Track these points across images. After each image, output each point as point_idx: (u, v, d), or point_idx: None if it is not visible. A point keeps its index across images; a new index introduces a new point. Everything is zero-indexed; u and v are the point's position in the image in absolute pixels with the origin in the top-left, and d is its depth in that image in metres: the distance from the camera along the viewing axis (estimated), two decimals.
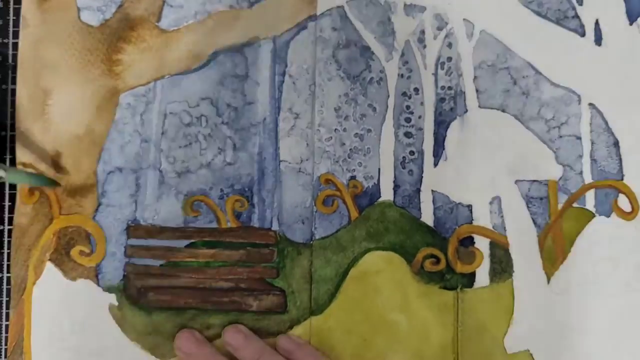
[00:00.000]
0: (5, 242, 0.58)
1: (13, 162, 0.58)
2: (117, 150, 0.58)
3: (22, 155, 0.58)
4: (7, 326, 0.57)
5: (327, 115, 0.59)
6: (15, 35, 0.59)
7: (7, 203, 0.58)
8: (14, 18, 0.59)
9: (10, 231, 0.58)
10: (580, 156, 0.59)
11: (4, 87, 0.59)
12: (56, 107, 0.58)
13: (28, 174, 0.56)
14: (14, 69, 0.58)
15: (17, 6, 0.59)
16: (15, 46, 0.58)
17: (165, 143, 0.58)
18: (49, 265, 0.57)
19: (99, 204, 0.58)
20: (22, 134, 0.57)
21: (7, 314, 0.58)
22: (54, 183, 0.57)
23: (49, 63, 0.58)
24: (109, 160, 0.58)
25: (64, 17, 0.58)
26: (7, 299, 0.58)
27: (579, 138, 0.59)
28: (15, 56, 0.58)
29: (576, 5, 0.59)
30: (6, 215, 0.58)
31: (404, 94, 0.59)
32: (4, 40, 0.59)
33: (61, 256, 0.57)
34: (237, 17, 0.59)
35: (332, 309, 0.58)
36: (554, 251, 0.58)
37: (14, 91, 0.58)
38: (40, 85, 0.58)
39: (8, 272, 0.58)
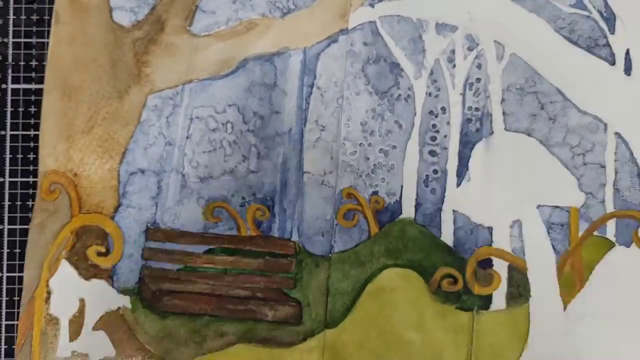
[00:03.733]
0: (5, 242, 0.58)
1: (13, 162, 0.58)
2: (141, 151, 0.58)
3: (47, 161, 0.58)
4: (7, 326, 0.57)
5: (352, 129, 0.59)
6: (15, 35, 0.59)
7: (7, 203, 0.58)
8: (14, 18, 0.59)
9: (10, 231, 0.58)
10: (604, 185, 0.59)
11: (4, 87, 0.58)
12: (84, 104, 0.58)
13: None
14: (14, 68, 0.58)
15: (17, 6, 0.59)
16: (15, 46, 0.59)
17: (190, 147, 0.58)
18: (64, 264, 0.57)
19: (120, 205, 0.58)
20: (47, 133, 0.57)
21: (7, 314, 0.57)
22: None
23: (79, 60, 0.58)
24: (132, 161, 0.58)
25: (96, 16, 0.58)
26: (7, 298, 0.57)
27: (603, 167, 0.59)
28: (15, 55, 0.58)
29: (608, 34, 0.59)
30: (6, 215, 0.58)
31: (431, 112, 0.59)
32: (4, 40, 0.59)
33: (77, 255, 0.57)
34: (269, 26, 0.59)
35: (347, 323, 0.57)
36: (572, 278, 0.58)
37: (14, 91, 0.59)
38: (69, 83, 0.57)
39: (8, 272, 0.57)
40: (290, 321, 0.57)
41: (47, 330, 0.56)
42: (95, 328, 0.57)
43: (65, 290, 0.57)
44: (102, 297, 0.57)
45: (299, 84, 0.59)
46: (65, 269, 0.57)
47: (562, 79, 0.59)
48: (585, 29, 0.59)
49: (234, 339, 0.57)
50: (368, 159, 0.59)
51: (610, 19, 0.60)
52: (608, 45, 0.59)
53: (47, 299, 0.56)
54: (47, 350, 0.56)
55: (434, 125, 0.59)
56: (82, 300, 0.57)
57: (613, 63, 0.59)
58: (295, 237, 0.58)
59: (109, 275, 0.57)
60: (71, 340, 0.56)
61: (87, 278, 0.57)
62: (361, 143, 0.59)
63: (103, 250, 0.57)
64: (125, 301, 0.57)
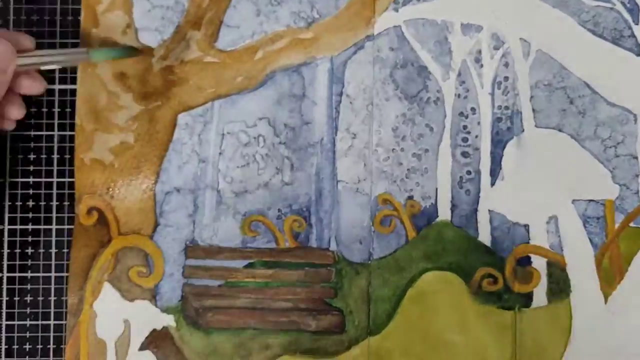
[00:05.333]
0: (6, 242, 0.58)
1: (13, 162, 0.58)
2: (175, 170, 0.58)
3: (84, 185, 0.58)
4: (7, 326, 0.57)
5: (384, 136, 0.59)
6: None
7: (7, 203, 0.58)
8: (14, 18, 0.59)
9: (10, 231, 0.58)
10: (637, 175, 0.59)
11: None
12: (116, 127, 0.58)
13: (110, 50, 0.55)
14: None
15: (17, 6, 0.59)
16: None
17: (223, 163, 0.58)
18: (106, 286, 0.57)
19: (157, 224, 0.58)
20: (82, 157, 0.58)
21: (7, 314, 0.57)
22: (136, 52, 0.56)
23: (108, 84, 0.58)
24: (167, 180, 0.58)
25: (122, 38, 0.58)
26: (7, 298, 0.57)
27: (635, 157, 0.59)
28: None
29: (632, 24, 0.59)
30: (6, 215, 0.58)
31: (461, 113, 0.59)
32: None
33: (119, 277, 0.57)
34: (294, 36, 0.59)
35: (390, 329, 0.57)
36: (611, 271, 0.58)
37: None
38: (99, 107, 0.58)
39: (8, 272, 0.57)
40: (333, 330, 0.57)
41: (94, 353, 0.57)
42: (141, 348, 0.57)
43: (110, 313, 0.57)
44: (147, 318, 0.57)
45: (327, 93, 0.59)
46: (108, 291, 0.57)
47: (589, 72, 0.59)
48: (610, 21, 0.59)
49: (279, 351, 0.57)
50: (401, 164, 0.59)
51: (633, 9, 0.60)
52: (633, 35, 0.59)
53: (93, 322, 0.57)
54: None
55: (464, 127, 0.59)
56: (127, 322, 0.57)
57: (639, 53, 0.59)
58: (333, 246, 0.58)
59: (152, 295, 0.57)
60: None
61: (130, 299, 0.57)
62: (394, 148, 0.59)
63: (144, 270, 0.57)
64: (169, 320, 0.57)
